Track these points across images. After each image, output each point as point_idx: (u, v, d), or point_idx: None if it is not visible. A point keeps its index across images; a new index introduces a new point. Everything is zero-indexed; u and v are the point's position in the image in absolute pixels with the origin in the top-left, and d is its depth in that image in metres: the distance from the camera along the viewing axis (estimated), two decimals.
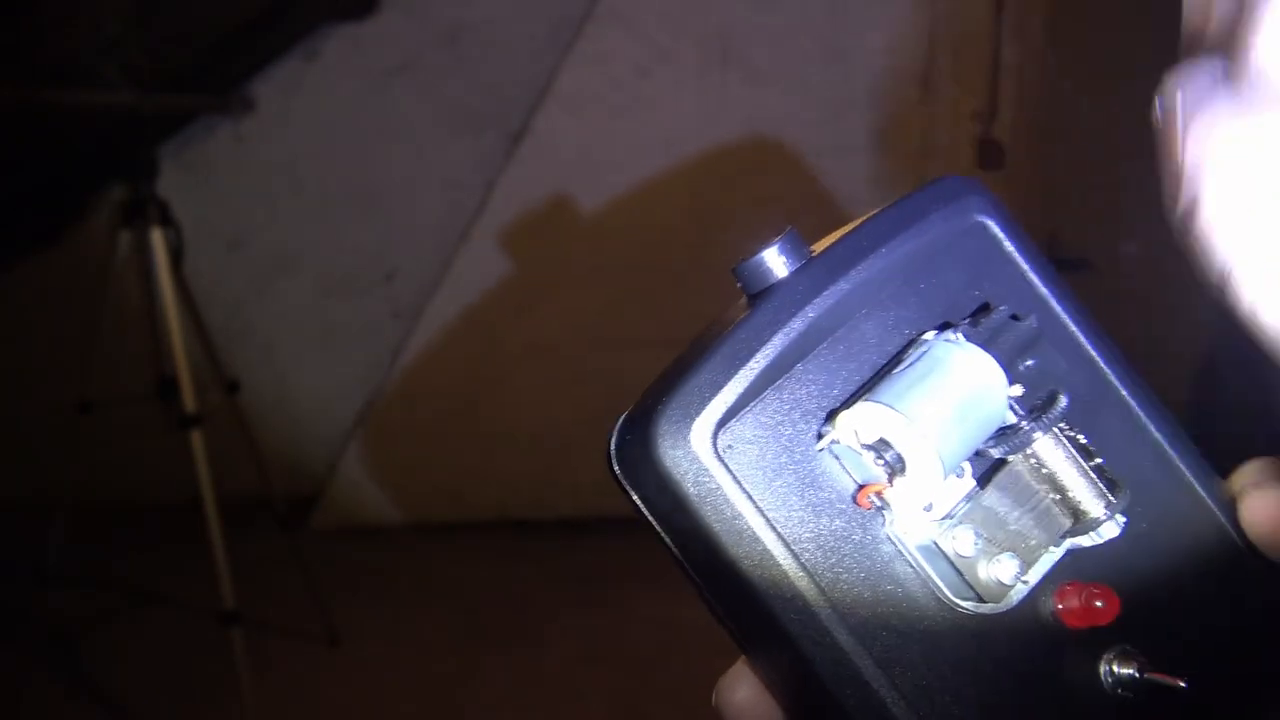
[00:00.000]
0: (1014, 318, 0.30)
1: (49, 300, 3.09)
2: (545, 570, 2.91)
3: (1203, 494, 0.31)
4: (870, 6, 2.97)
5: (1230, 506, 0.30)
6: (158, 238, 2.23)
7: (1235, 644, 0.31)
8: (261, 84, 3.04)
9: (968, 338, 0.28)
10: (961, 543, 0.28)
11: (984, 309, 0.30)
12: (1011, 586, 0.28)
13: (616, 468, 0.29)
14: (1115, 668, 0.29)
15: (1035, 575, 0.28)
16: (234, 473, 2.41)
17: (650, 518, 0.29)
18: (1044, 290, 0.31)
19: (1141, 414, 0.31)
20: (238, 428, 2.43)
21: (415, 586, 2.87)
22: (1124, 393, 0.31)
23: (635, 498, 0.29)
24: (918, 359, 0.28)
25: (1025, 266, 0.32)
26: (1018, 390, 0.29)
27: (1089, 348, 0.31)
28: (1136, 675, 0.29)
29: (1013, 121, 2.88)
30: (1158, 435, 0.31)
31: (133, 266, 2.40)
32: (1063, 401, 0.29)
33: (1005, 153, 2.89)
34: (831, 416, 0.28)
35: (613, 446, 0.29)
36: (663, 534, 0.29)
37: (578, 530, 2.88)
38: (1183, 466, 0.31)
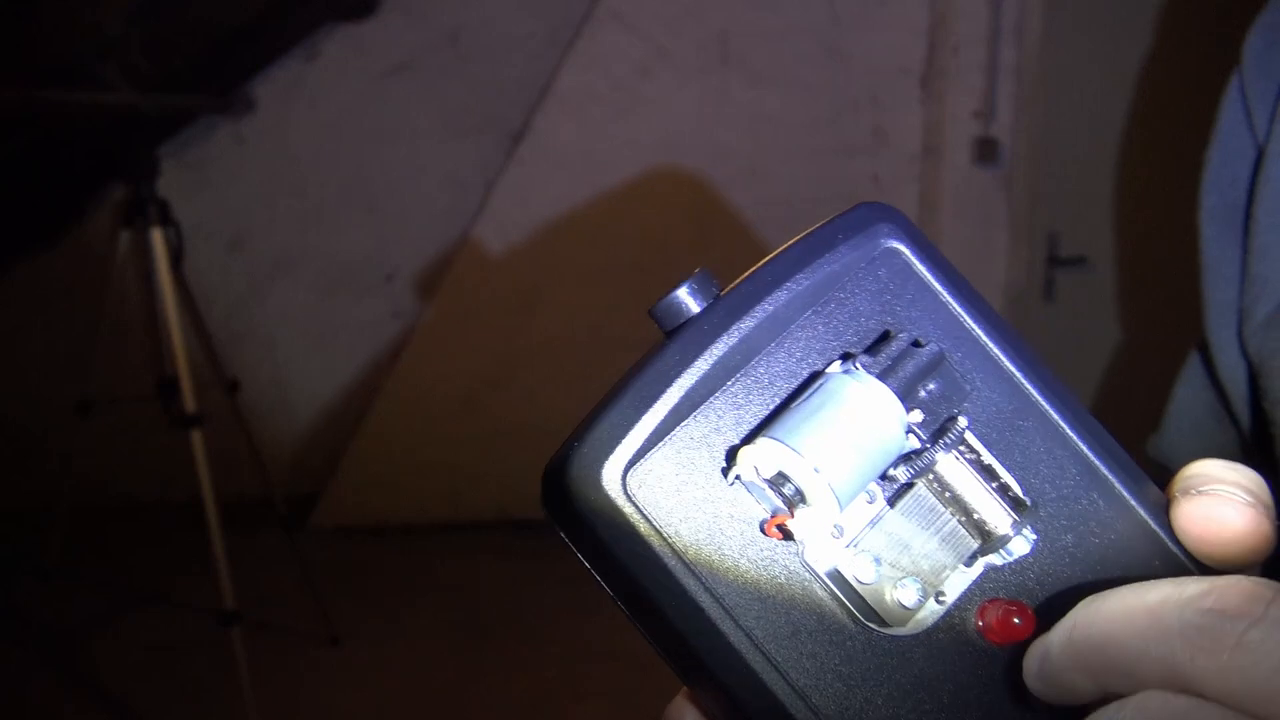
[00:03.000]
0: (916, 344, 0.30)
1: (49, 300, 3.09)
2: (545, 570, 2.90)
3: (1134, 503, 0.30)
4: (870, 6, 2.97)
5: (1164, 512, 0.30)
6: (158, 238, 2.23)
7: None
8: (261, 84, 3.05)
9: (865, 368, 0.29)
10: (862, 569, 0.28)
11: (884, 338, 0.30)
12: (915, 610, 0.28)
13: (545, 510, 0.30)
14: None
15: (952, 594, 0.29)
16: (234, 473, 2.41)
17: (579, 557, 0.29)
18: (959, 310, 0.31)
19: (1065, 426, 0.31)
20: (238, 428, 2.43)
21: (415, 586, 2.87)
22: (1045, 406, 0.31)
23: (564, 538, 0.29)
24: (814, 392, 0.29)
25: (939, 288, 0.31)
26: (918, 416, 0.29)
27: (1007, 363, 0.31)
28: None
29: (1012, 121, 2.88)
30: (1083, 447, 0.31)
31: (133, 266, 2.40)
32: (962, 424, 0.29)
33: (1004, 152, 2.89)
34: (733, 454, 0.29)
35: (541, 490, 0.30)
36: (592, 572, 0.29)
37: None
38: (1111, 477, 0.30)
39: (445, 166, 3.13)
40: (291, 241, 3.18)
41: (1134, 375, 2.72)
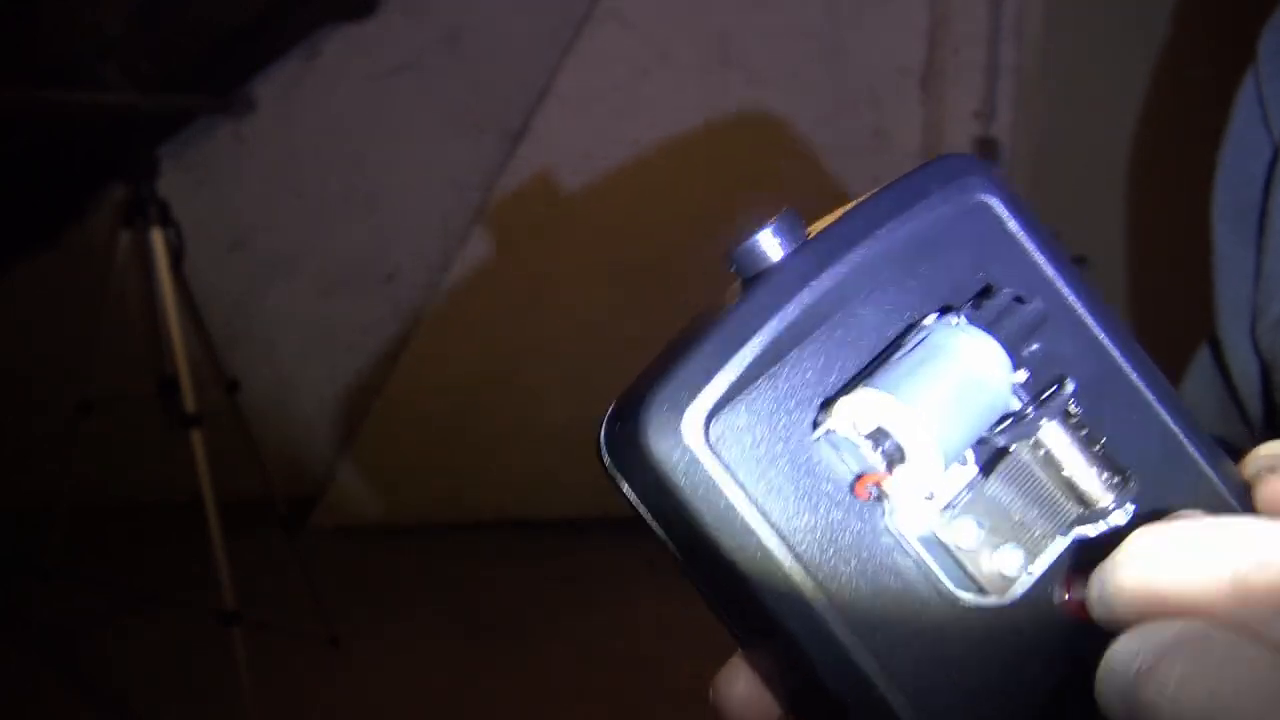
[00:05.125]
0: (1018, 300, 0.28)
1: (49, 300, 3.09)
2: (545, 570, 2.91)
3: (1215, 479, 0.29)
4: (870, 6, 2.97)
5: (1244, 492, 0.29)
6: (158, 238, 2.23)
7: None
8: (261, 84, 3.04)
9: (970, 321, 0.27)
10: (963, 534, 0.27)
11: (986, 291, 0.29)
12: (1016, 578, 0.27)
13: (606, 458, 0.28)
14: None
15: (1041, 566, 0.27)
16: (234, 473, 2.41)
17: (642, 509, 0.28)
18: (1050, 271, 0.30)
19: (1152, 399, 0.30)
20: (238, 428, 2.43)
21: (415, 586, 2.87)
22: (1134, 377, 0.30)
23: (626, 489, 0.28)
24: (917, 344, 0.27)
25: (1030, 247, 0.30)
26: (1022, 375, 0.27)
27: (1097, 331, 0.30)
28: None
29: (1012, 121, 2.88)
30: (1169, 420, 0.30)
31: (133, 266, 2.40)
32: (1070, 387, 0.28)
33: (1004, 152, 2.89)
34: (828, 404, 0.27)
35: (602, 437, 0.28)
36: (655, 526, 0.28)
37: (578, 530, 2.88)
38: (1194, 452, 0.30)
39: (445, 166, 3.12)
40: (291, 241, 3.17)
41: None
